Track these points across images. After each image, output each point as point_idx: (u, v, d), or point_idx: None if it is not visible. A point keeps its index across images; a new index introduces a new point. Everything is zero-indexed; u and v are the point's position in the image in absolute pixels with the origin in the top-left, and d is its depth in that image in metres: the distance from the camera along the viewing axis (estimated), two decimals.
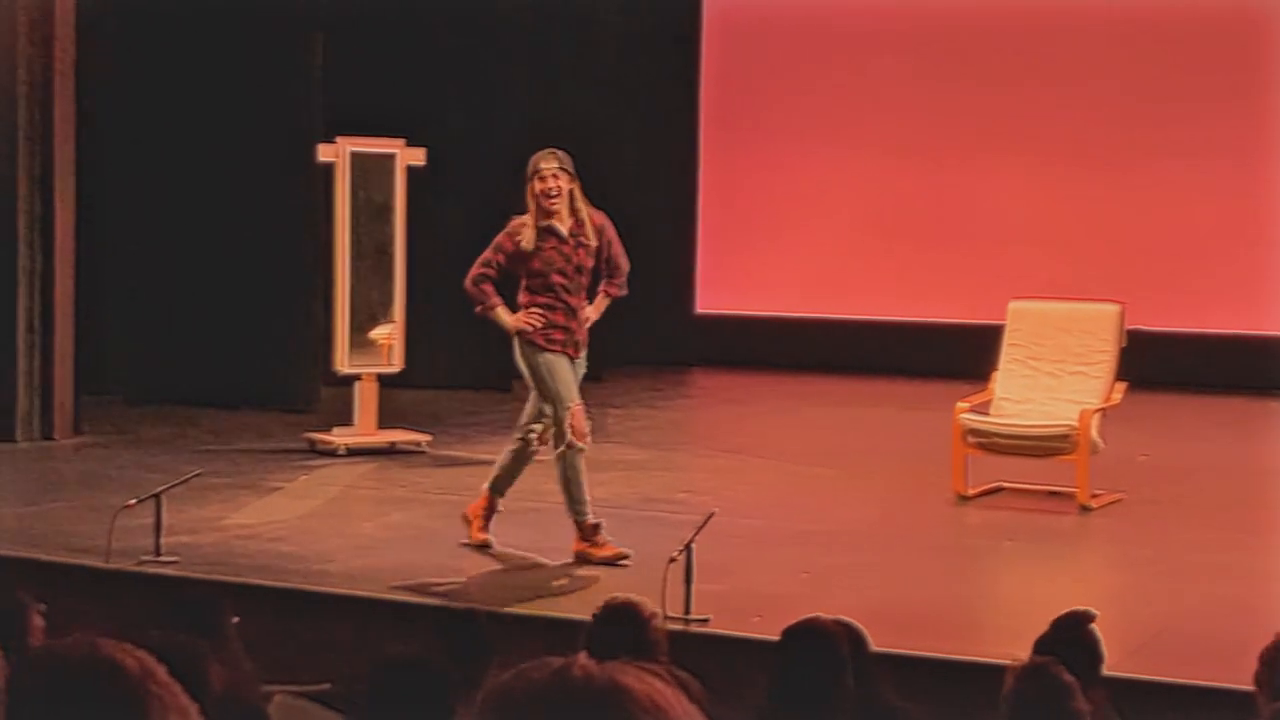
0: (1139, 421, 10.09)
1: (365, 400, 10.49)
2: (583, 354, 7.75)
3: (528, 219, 7.64)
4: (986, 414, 9.27)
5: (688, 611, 6.50)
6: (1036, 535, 8.52)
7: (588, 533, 7.66)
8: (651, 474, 9.75)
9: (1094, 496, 8.90)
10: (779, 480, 9.74)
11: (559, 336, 7.64)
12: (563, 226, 7.63)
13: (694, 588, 6.54)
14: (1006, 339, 9.57)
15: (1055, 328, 9.49)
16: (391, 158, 10.66)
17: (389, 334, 10.70)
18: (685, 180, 14.51)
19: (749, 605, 6.77)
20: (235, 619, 4.61)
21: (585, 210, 7.68)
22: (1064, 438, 8.94)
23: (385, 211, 10.68)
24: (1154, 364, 10.98)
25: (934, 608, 7.12)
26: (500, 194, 12.83)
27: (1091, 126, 13.43)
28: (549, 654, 1.63)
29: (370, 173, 10.64)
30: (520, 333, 7.62)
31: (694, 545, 6.56)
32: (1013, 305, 9.72)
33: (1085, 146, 13.51)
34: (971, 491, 9.05)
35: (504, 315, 7.70)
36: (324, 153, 10.60)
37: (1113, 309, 9.52)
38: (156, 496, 7.48)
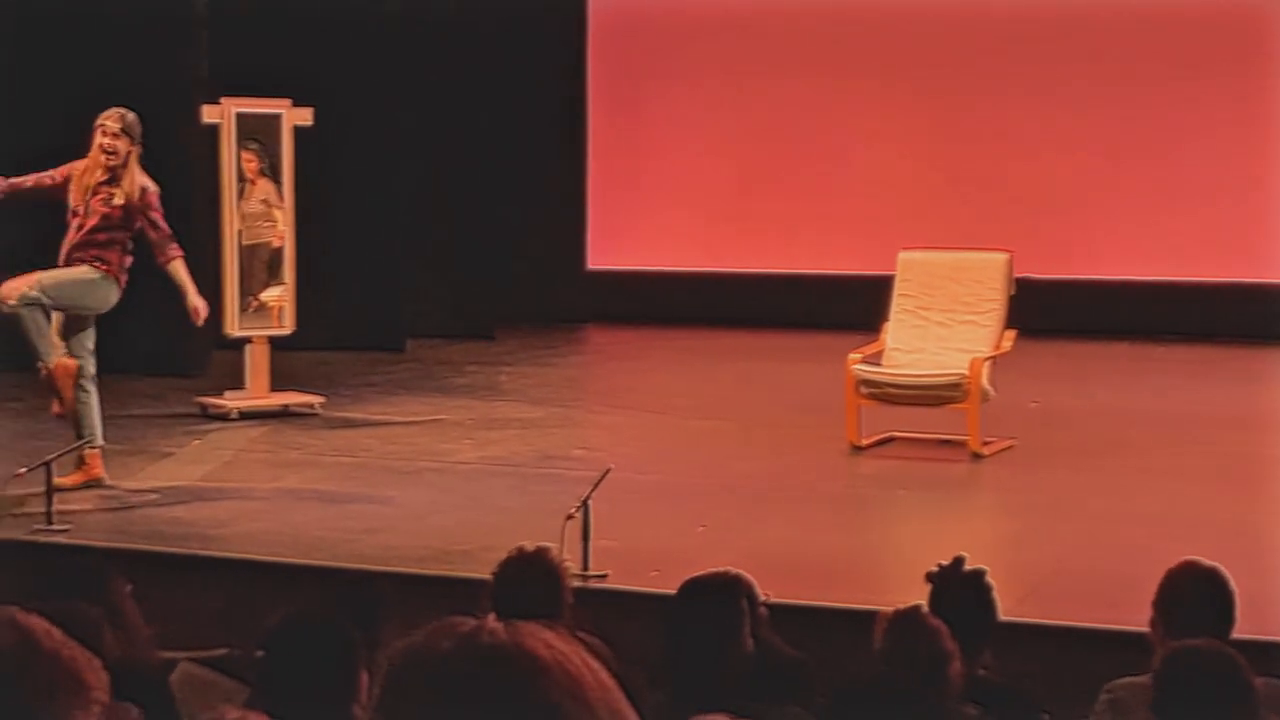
0: (1029, 369, 10.21)
1: (256, 363, 10.41)
2: None
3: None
4: (878, 364, 9.34)
5: (586, 568, 6.53)
6: (929, 484, 8.61)
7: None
8: (546, 431, 9.74)
9: (985, 444, 9.00)
10: (673, 435, 9.77)
11: None
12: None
13: (591, 544, 6.57)
14: (897, 289, 9.64)
15: (944, 277, 9.57)
16: (278, 118, 10.54)
17: (279, 296, 10.61)
18: (574, 137, 14.47)
19: (646, 560, 6.80)
20: (129, 586, 4.57)
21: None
22: (955, 386, 9.03)
23: (273, 173, 10.57)
24: (1044, 311, 11.09)
25: (829, 558, 7.18)
26: (390, 154, 12.83)
27: (971, 85, 13.53)
28: (453, 614, 1.61)
29: (257, 134, 10.51)
30: None
31: (590, 501, 6.58)
32: (902, 256, 9.79)
33: (967, 101, 13.60)
34: (865, 442, 9.13)
35: None
36: (208, 114, 10.45)
37: (1000, 257, 9.62)
38: (47, 465, 7.38)
